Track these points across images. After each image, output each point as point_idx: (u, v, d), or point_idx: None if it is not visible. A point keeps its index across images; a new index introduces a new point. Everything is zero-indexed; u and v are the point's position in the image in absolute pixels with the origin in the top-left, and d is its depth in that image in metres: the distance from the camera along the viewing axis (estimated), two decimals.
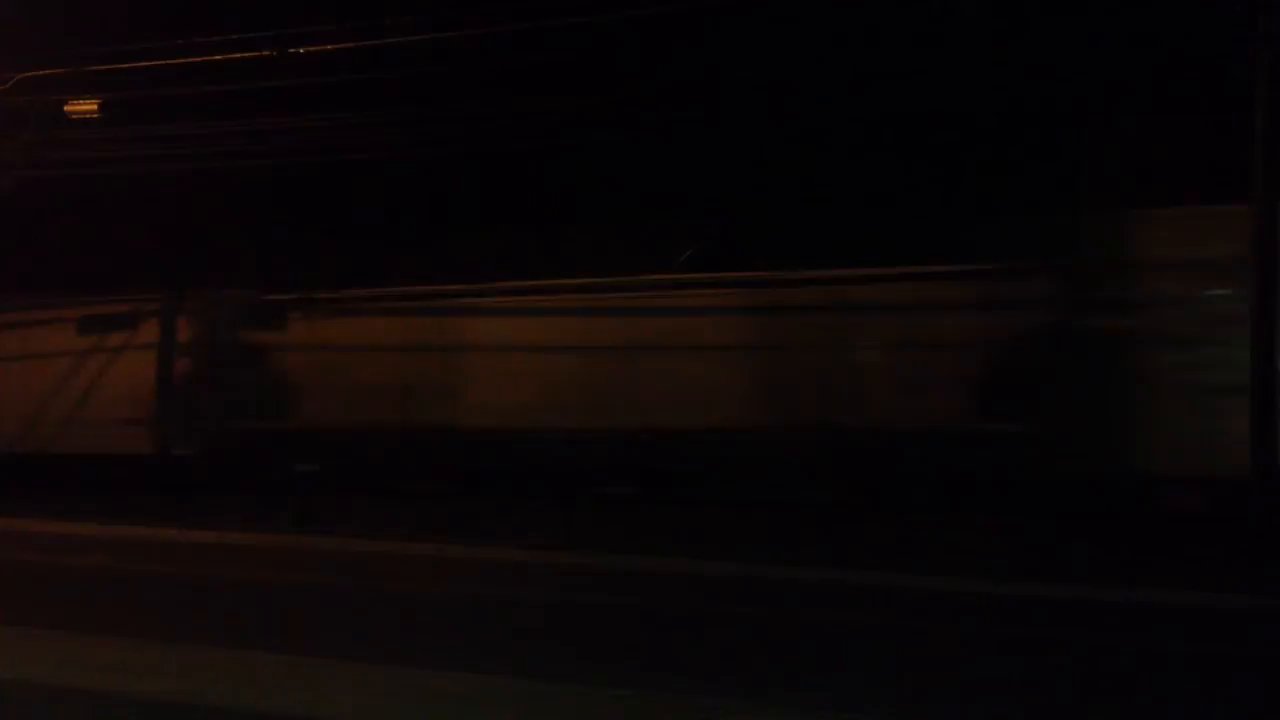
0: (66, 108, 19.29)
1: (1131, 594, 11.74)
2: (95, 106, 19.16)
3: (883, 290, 18.23)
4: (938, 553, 14.24)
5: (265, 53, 17.81)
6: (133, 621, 9.88)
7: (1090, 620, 10.94)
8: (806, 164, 22.97)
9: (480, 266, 21.16)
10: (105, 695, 7.38)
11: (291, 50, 17.68)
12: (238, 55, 17.86)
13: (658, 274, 20.02)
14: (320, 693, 7.47)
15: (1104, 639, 10.04)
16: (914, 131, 20.38)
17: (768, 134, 22.35)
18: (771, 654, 9.40)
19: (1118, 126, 18.41)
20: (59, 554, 14.67)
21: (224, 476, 20.48)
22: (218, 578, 13.09)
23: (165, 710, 7.14)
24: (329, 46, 17.57)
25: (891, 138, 20.07)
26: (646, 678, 7.93)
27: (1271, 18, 14.25)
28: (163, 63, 18.33)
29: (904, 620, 10.87)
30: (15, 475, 20.70)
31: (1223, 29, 14.84)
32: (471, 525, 16.57)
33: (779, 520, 16.86)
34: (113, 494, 19.23)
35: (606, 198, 23.61)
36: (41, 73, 19.29)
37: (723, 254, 21.14)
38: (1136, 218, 16.98)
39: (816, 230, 21.43)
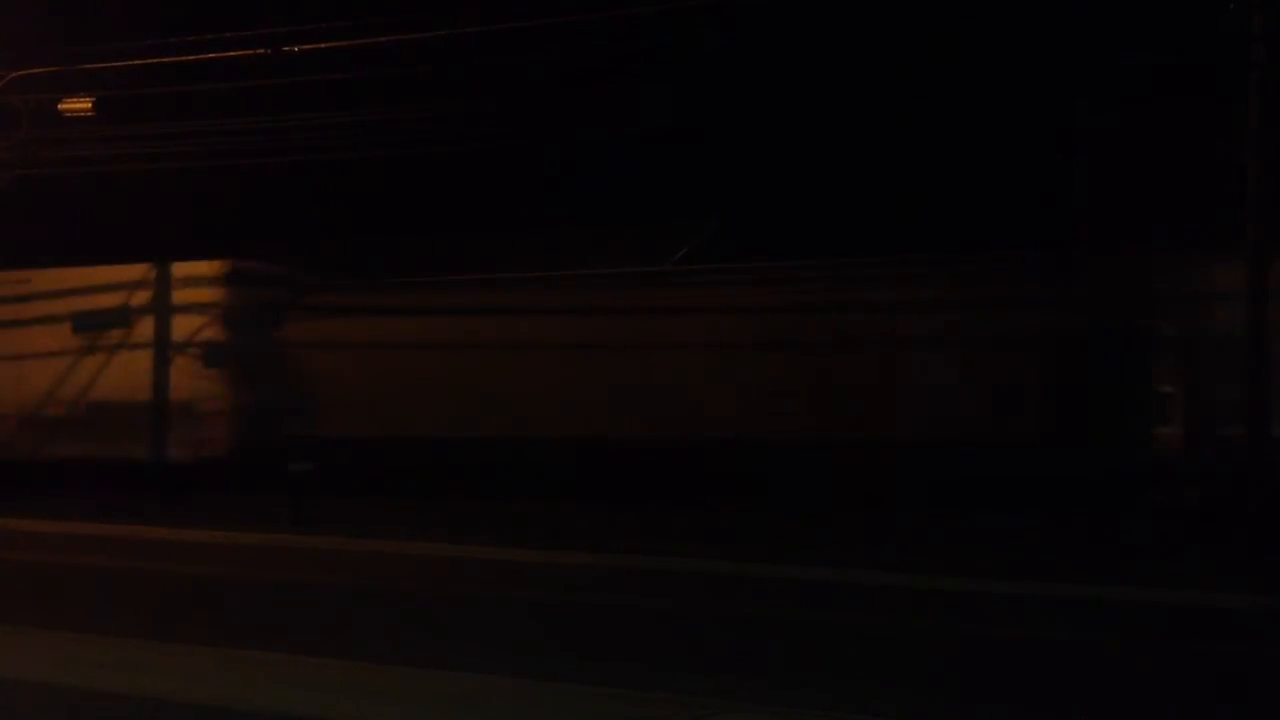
0: (61, 106, 19.17)
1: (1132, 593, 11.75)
2: (90, 105, 19.05)
3: None
4: (936, 551, 14.23)
5: (259, 50, 17.72)
6: None
7: (1089, 619, 10.94)
8: (805, 162, 23.05)
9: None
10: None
11: (285, 48, 17.59)
12: (232, 54, 17.78)
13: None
14: (319, 692, 7.44)
15: (1102, 637, 10.05)
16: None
17: (764, 133, 22.41)
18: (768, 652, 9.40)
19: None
20: None
21: None
22: None
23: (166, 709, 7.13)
24: (322, 45, 17.50)
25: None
26: (643, 675, 7.93)
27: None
28: (157, 61, 18.24)
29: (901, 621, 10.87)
30: None
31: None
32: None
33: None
34: None
35: (602, 197, 23.66)
36: (35, 71, 19.19)
37: (717, 252, 21.15)
38: None
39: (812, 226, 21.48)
